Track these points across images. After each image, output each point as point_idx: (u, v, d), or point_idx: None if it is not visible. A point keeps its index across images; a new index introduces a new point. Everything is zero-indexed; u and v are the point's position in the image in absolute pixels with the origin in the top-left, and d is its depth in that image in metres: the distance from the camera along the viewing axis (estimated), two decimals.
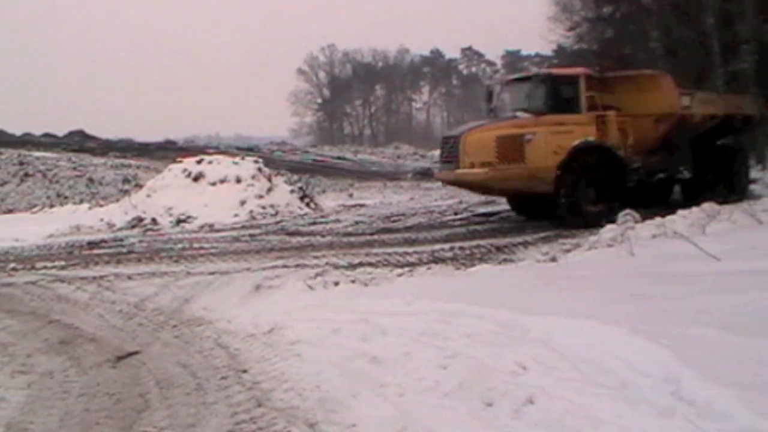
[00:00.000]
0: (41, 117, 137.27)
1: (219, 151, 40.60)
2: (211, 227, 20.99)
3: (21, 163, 39.74)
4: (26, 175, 38.36)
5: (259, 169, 25.44)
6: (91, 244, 18.74)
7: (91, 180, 37.39)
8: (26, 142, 52.85)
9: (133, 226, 21.72)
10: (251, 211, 22.80)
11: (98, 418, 6.46)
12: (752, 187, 22.14)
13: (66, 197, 34.68)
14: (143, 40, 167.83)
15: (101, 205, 28.69)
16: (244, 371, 7.44)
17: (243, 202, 23.09)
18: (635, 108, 18.85)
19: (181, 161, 26.24)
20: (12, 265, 15.65)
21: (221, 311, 10.20)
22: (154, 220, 21.84)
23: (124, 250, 17.35)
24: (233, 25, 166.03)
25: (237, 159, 27.35)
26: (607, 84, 19.00)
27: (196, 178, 24.43)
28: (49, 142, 55.26)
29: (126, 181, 37.01)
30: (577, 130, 17.66)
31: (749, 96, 22.74)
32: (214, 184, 24.15)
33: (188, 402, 6.69)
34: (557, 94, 18.23)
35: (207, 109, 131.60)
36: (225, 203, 22.89)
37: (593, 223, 15.77)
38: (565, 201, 17.44)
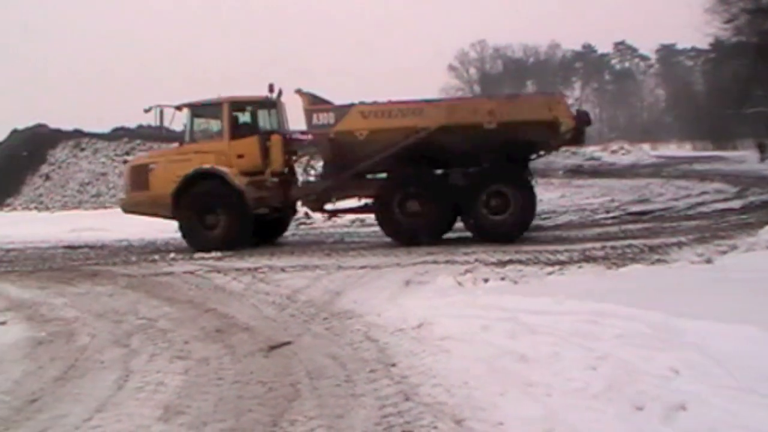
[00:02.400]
0: None
1: None
2: (362, 222, 21.26)
3: None
4: None
5: None
6: None
7: None
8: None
9: None
10: None
11: (251, 405, 6.62)
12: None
13: None
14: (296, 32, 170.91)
15: None
16: (393, 365, 7.49)
17: None
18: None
19: None
20: (172, 255, 16.35)
21: (371, 305, 10.28)
22: (306, 214, 22.24)
23: (278, 242, 17.77)
24: (384, 21, 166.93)
25: None
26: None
27: None
28: None
29: None
30: (196, 159, 17.58)
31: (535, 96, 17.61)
32: None
33: (337, 393, 6.78)
34: (205, 122, 18.54)
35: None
36: None
37: (213, 247, 16.71)
38: (181, 226, 17.62)
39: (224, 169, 17.28)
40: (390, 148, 16.41)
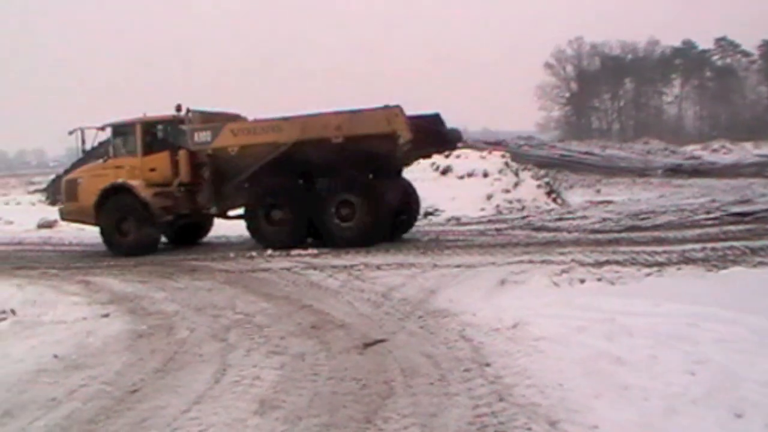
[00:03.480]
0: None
1: (466, 145, 40.89)
2: (458, 220, 21.23)
3: None
4: None
5: (506, 164, 25.46)
6: None
7: None
8: None
9: None
10: (497, 206, 22.88)
11: (345, 401, 6.67)
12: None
13: None
14: (395, 36, 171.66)
15: None
16: (487, 365, 7.45)
17: (490, 196, 23.20)
18: None
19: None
20: (269, 251, 16.55)
21: (466, 304, 10.23)
22: None
23: None
24: (480, 18, 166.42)
25: (484, 153, 27.47)
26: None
27: (444, 172, 24.82)
28: None
29: None
30: (107, 174, 19.76)
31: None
32: (461, 177, 24.43)
33: (431, 392, 6.78)
34: (123, 141, 20.18)
35: (455, 103, 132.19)
36: (472, 197, 23.07)
37: (128, 252, 18.60)
38: (102, 233, 19.57)
39: (133, 182, 19.21)
40: (259, 161, 17.97)
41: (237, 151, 18.06)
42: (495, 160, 25.75)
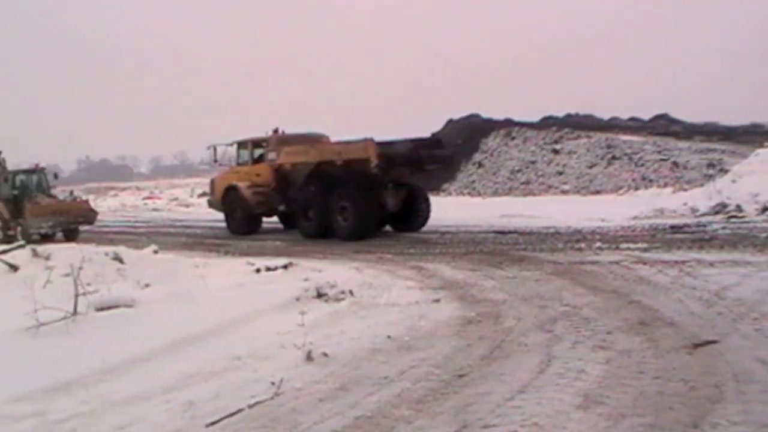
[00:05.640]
0: (628, 101, 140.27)
1: None
2: None
3: (608, 147, 40.88)
4: (613, 158, 39.46)
5: None
6: (674, 228, 18.89)
7: (675, 164, 37.31)
8: (613, 126, 53.91)
9: (717, 212, 21.45)
10: None
11: (671, 402, 6.54)
12: None
13: (650, 180, 35.18)
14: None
15: (685, 190, 28.73)
16: None
17: None
18: None
19: None
20: (598, 244, 16.45)
21: None
22: (738, 207, 21.33)
23: (707, 236, 17.22)
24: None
25: None
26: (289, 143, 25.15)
27: None
28: (634, 125, 55.81)
29: (710, 165, 36.26)
30: (230, 177, 27.23)
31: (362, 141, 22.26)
32: None
33: (765, 400, 6.48)
34: (241, 153, 27.56)
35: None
36: None
37: (245, 231, 26.00)
38: (225, 217, 27.41)
39: (240, 184, 26.40)
40: (303, 175, 23.81)
41: (290, 167, 24.35)
42: None
